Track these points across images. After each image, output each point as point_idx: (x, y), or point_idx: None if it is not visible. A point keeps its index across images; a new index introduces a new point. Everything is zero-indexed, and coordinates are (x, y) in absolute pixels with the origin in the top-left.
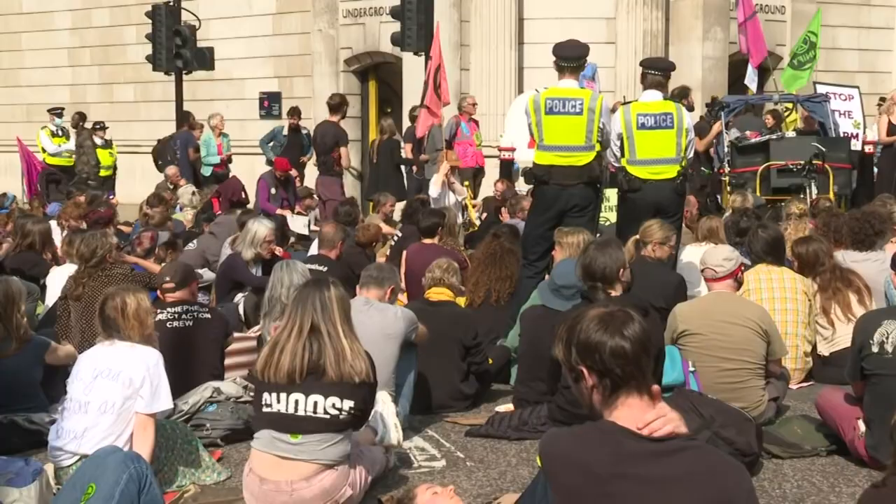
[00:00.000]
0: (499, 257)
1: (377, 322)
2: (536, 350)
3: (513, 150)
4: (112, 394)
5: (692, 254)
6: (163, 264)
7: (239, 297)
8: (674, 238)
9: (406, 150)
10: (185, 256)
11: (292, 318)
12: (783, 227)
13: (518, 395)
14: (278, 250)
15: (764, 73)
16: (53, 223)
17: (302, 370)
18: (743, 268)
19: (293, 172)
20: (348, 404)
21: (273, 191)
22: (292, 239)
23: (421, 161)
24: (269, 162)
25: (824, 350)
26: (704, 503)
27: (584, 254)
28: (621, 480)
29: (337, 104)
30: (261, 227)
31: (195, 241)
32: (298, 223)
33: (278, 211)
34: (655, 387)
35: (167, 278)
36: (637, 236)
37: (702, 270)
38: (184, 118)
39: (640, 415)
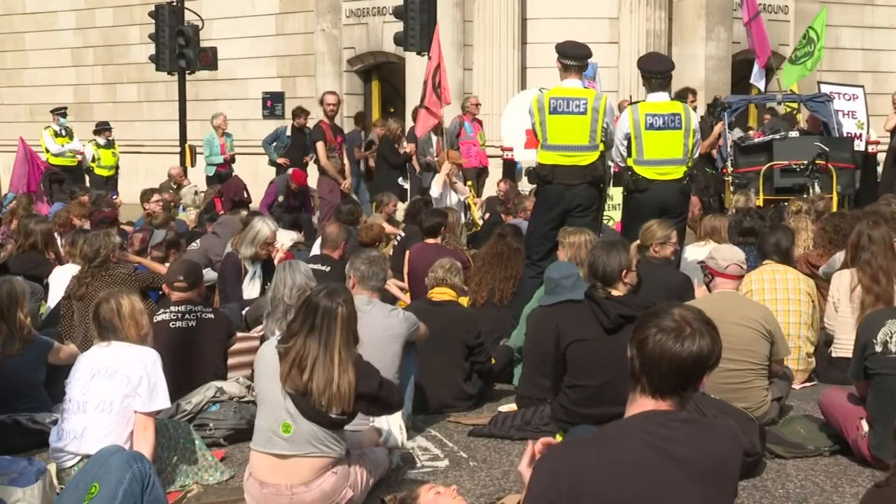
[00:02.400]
0: (506, 257)
1: (380, 323)
2: (540, 349)
3: (513, 149)
4: (110, 392)
5: (694, 253)
6: (170, 263)
7: (247, 286)
8: (674, 235)
9: (409, 150)
10: (188, 256)
11: (299, 331)
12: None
13: (523, 393)
14: (278, 253)
15: (768, 72)
16: None
17: (294, 388)
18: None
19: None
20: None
21: (281, 198)
22: (297, 238)
23: (424, 162)
24: (271, 163)
25: (833, 351)
26: (702, 467)
27: (591, 252)
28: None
29: (319, 101)
30: (264, 227)
31: (198, 241)
32: (286, 237)
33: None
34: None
35: (180, 277)
36: (638, 241)
37: (725, 267)
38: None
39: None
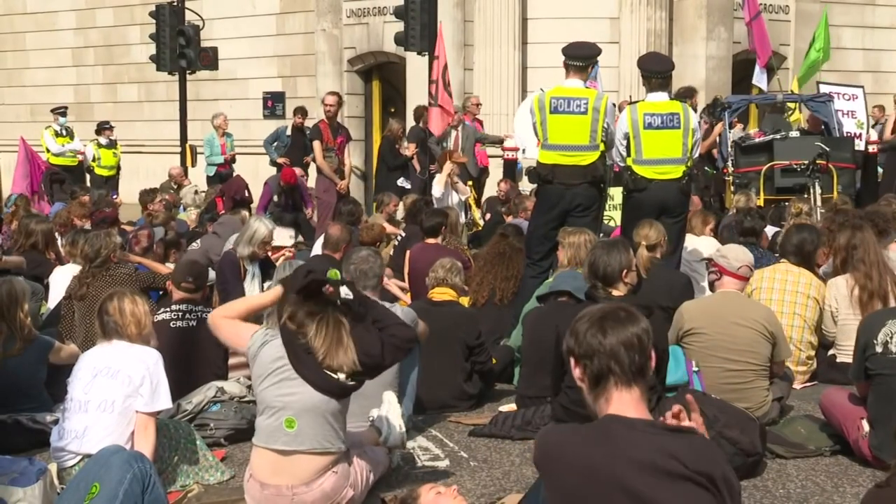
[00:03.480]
0: (507, 257)
1: None
2: (539, 349)
3: (516, 149)
4: (111, 392)
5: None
6: (174, 262)
7: (247, 286)
8: (664, 240)
9: (409, 150)
10: (189, 256)
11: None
12: (784, 226)
13: (523, 391)
14: (283, 254)
15: (769, 72)
16: None
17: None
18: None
19: (299, 171)
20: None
21: (276, 198)
22: (292, 235)
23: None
24: (272, 163)
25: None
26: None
27: (595, 252)
28: (619, 479)
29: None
30: (262, 227)
31: (199, 241)
32: (283, 235)
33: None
34: (638, 389)
35: (190, 279)
36: (644, 242)
37: (737, 268)
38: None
39: (629, 410)
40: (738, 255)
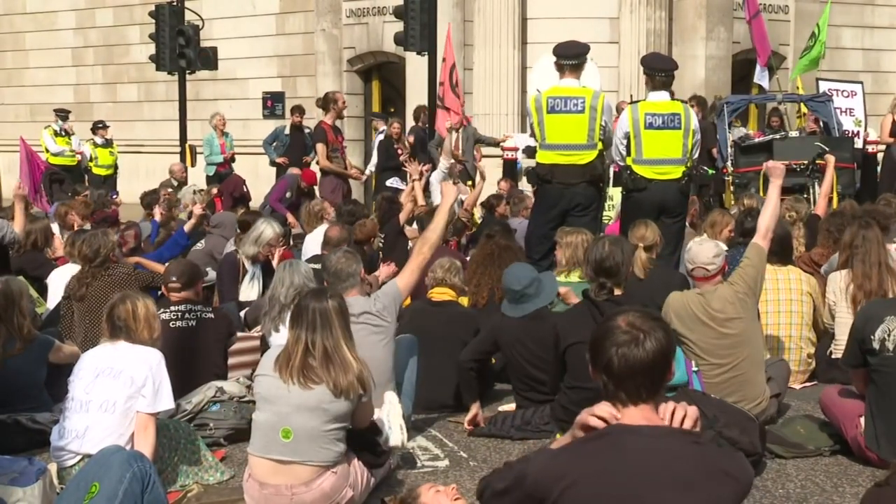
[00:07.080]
0: (497, 256)
1: (364, 318)
2: (508, 356)
3: (516, 149)
4: (113, 392)
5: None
6: (169, 263)
7: (246, 287)
8: (660, 240)
9: (402, 156)
10: (193, 255)
11: (295, 331)
12: None
13: (520, 403)
14: (278, 253)
15: (769, 71)
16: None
17: (297, 375)
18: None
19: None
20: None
21: (288, 194)
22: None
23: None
24: (272, 163)
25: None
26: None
27: (598, 248)
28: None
29: (322, 104)
30: (268, 229)
31: (203, 241)
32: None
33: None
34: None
35: (173, 278)
36: (640, 244)
37: (690, 270)
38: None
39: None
40: (691, 258)
